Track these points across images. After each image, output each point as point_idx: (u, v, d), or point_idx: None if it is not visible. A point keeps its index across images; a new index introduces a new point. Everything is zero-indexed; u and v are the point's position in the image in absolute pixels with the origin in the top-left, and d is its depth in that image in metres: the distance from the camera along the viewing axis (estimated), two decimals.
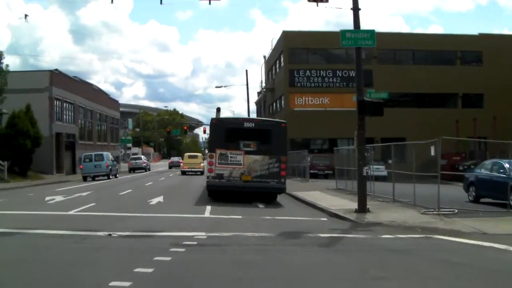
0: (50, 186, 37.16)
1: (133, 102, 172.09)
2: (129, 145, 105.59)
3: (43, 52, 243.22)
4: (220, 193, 24.17)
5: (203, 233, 13.91)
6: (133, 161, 68.60)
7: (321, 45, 54.88)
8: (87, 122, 66.61)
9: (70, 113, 59.49)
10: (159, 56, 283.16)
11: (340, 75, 55.01)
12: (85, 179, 44.59)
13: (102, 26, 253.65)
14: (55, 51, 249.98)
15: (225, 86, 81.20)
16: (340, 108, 53.80)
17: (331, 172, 45.73)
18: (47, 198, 24.60)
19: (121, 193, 28.11)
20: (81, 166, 46.55)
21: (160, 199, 24.41)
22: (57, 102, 55.21)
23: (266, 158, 23.35)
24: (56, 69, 57.56)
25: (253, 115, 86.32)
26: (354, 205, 20.24)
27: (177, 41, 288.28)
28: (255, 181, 23.43)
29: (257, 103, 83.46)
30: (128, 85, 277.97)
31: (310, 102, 55.05)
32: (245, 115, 63.10)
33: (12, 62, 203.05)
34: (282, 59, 57.62)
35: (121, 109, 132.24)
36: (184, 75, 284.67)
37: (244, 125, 23.94)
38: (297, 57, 55.91)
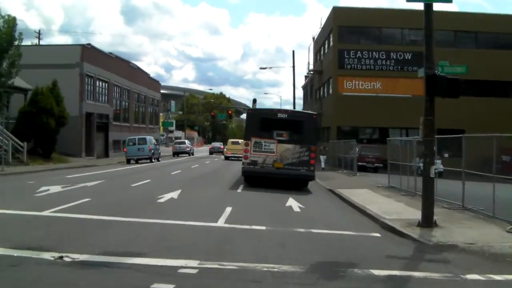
0: (67, 171, 33.25)
1: (182, 85, 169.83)
2: (171, 128, 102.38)
3: (95, 32, 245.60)
4: (254, 178, 25.41)
5: (196, 262, 9.11)
6: (177, 145, 68.31)
7: (374, 23, 49.69)
8: (123, 102, 62.71)
9: (103, 92, 55.85)
10: (209, 39, 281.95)
11: (394, 57, 49.56)
12: (128, 161, 45.38)
13: (153, 7, 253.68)
14: (106, 31, 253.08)
15: (270, 68, 79.82)
16: (393, 94, 48.83)
17: (381, 165, 41.04)
18: (41, 189, 20.27)
19: (133, 185, 23.62)
20: (125, 149, 46.95)
21: (174, 194, 19.88)
22: (89, 79, 51.46)
23: (297, 147, 24.50)
24: (89, 44, 53.65)
25: (300, 100, 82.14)
26: (413, 213, 15.91)
27: (228, 24, 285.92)
28: (287, 168, 24.59)
29: (304, 87, 78.36)
30: (178, 68, 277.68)
31: (360, 87, 49.75)
32: (291, 101, 60.32)
33: (64, 42, 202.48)
34: (331, 39, 52.40)
35: (166, 91, 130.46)
36: (234, 59, 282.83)
37: (278, 116, 25.17)
38: (348, 37, 50.65)
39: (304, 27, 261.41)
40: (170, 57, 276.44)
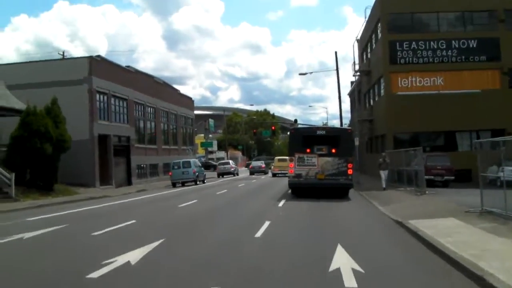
0: (54, 208, 26.20)
1: (228, 105, 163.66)
2: (211, 148, 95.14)
3: (138, 59, 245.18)
4: (300, 189, 27.75)
5: None
6: (221, 166, 67.05)
7: (429, 7, 40.66)
8: (147, 122, 55.03)
9: (121, 111, 48.19)
10: (252, 58, 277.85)
11: (457, 46, 40.52)
12: (174, 185, 45.28)
13: (195, 30, 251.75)
14: (150, 57, 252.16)
15: (310, 73, 67.83)
16: (458, 90, 39.79)
17: (452, 178, 33.09)
18: None
19: (95, 233, 15.30)
20: (170, 173, 46.62)
21: (136, 255, 11.49)
22: (101, 97, 43.97)
23: (336, 159, 26.61)
24: (98, 55, 46.31)
25: (347, 106, 73.15)
26: None
27: (270, 43, 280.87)
28: (328, 179, 26.62)
29: (350, 94, 69.75)
30: (223, 89, 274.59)
31: (417, 84, 40.86)
32: (338, 115, 54.62)
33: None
34: (379, 30, 43.61)
35: (210, 112, 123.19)
36: (278, 76, 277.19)
37: (317, 133, 27.88)
38: (399, 25, 41.64)
39: (346, 40, 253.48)
40: (215, 78, 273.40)
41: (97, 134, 42.21)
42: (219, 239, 13.75)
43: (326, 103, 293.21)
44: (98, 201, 30.12)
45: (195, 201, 27.25)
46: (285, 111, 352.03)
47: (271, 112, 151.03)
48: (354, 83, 60.46)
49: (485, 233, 13.32)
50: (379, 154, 33.54)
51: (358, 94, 54.82)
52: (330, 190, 26.99)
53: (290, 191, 29.23)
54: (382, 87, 43.27)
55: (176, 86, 76.60)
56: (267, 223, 16.52)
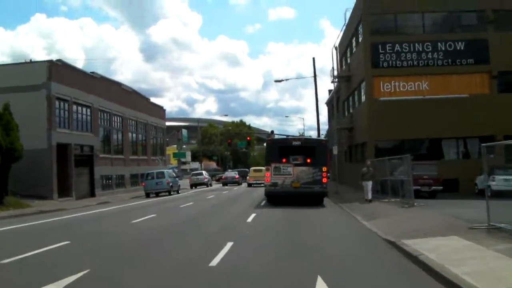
0: None
1: (204, 117, 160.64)
2: (184, 159, 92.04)
3: (116, 71, 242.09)
4: (276, 197, 28.47)
5: None
6: (194, 177, 64.96)
7: (414, 8, 37.84)
8: (114, 131, 51.60)
9: (85, 119, 44.85)
10: (229, 70, 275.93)
11: (444, 48, 37.53)
12: (147, 195, 44.73)
13: (172, 43, 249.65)
14: (127, 70, 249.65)
15: (286, 80, 66.50)
16: (445, 95, 37.11)
17: (440, 188, 30.49)
18: None
19: (3, 261, 11.87)
20: (143, 184, 46.47)
21: None
22: (62, 104, 40.61)
23: (310, 168, 27.60)
24: (59, 60, 42.98)
25: (324, 118, 70.15)
26: None
27: (247, 55, 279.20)
28: (303, 187, 27.55)
29: (328, 102, 66.93)
30: (200, 101, 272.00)
31: (401, 89, 37.75)
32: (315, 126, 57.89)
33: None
34: (360, 32, 40.65)
35: (187, 123, 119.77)
36: (255, 88, 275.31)
37: (293, 144, 29.03)
38: (382, 26, 38.54)
39: (323, 53, 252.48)
40: (192, 91, 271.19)
41: (56, 143, 38.78)
42: (158, 272, 10.46)
43: (303, 114, 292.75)
44: (46, 216, 26.66)
45: (153, 215, 24.09)
46: (262, 122, 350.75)
47: (247, 123, 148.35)
48: (333, 91, 57.70)
49: (505, 257, 10.32)
50: (364, 163, 30.49)
51: (336, 101, 51.95)
52: (305, 198, 27.88)
53: (265, 200, 30.07)
54: (363, 93, 40.34)
55: (153, 99, 74.01)
56: (228, 246, 13.42)
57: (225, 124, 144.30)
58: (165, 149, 70.72)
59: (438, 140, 37.47)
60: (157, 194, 45.51)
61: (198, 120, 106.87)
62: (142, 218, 22.61)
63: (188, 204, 32.19)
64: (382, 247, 13.47)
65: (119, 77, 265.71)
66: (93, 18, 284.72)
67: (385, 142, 37.88)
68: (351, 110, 47.38)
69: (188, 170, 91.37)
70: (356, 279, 9.47)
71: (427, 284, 9.10)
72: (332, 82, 49.31)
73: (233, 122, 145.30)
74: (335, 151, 39.64)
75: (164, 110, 71.11)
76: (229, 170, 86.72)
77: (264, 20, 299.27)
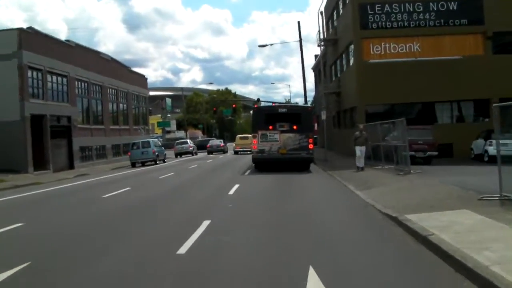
0: None
1: (190, 86, 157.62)
2: (169, 128, 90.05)
3: (99, 42, 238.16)
4: (263, 164, 28.80)
5: None
6: (179, 146, 63.16)
7: None
8: (93, 101, 49.43)
9: (61, 88, 42.48)
10: (214, 40, 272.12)
11: (436, 8, 35.67)
12: (133, 165, 44.40)
13: (155, 13, 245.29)
14: (110, 41, 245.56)
15: (271, 45, 62.14)
16: (438, 57, 35.28)
17: (436, 153, 29.08)
18: None
19: None
20: (129, 153, 45.86)
21: None
22: (35, 73, 38.19)
23: (297, 135, 27.92)
24: (30, 27, 40.42)
25: (310, 85, 68.22)
26: None
27: (231, 24, 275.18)
28: (290, 153, 27.87)
29: (314, 68, 64.90)
30: (185, 71, 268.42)
31: (392, 51, 35.95)
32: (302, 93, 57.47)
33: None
34: None
35: (172, 92, 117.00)
36: (240, 57, 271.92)
37: (279, 111, 29.24)
38: None
39: (308, 21, 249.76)
40: (177, 60, 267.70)
41: (30, 114, 36.57)
42: (111, 264, 8.59)
43: (289, 81, 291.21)
44: (19, 190, 24.68)
45: (127, 188, 22.35)
46: (248, 90, 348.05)
47: (233, 91, 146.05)
48: (319, 56, 55.62)
49: None
50: (355, 128, 28.71)
51: (323, 66, 49.99)
52: (292, 164, 28.07)
53: (250, 169, 30.08)
54: (351, 56, 38.39)
55: (137, 69, 71.43)
56: (204, 225, 11.62)
57: (210, 92, 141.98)
58: (148, 119, 68.50)
59: (431, 104, 35.80)
60: (143, 164, 45.03)
61: (183, 89, 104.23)
62: (115, 192, 20.84)
63: (168, 174, 30.42)
64: (382, 224, 11.67)
65: (102, 48, 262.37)
66: None
67: (375, 106, 36.15)
68: (338, 75, 45.48)
69: (174, 139, 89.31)
70: (356, 273, 7.65)
71: (446, 276, 7.32)
72: (319, 46, 47.19)
73: (218, 90, 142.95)
74: (323, 116, 37.85)
75: (146, 79, 68.66)
76: (214, 138, 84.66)
77: None
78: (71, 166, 42.66)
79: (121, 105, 57.07)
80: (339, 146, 43.29)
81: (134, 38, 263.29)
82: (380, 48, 35.65)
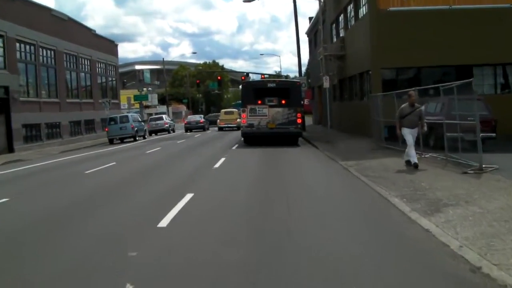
0: None
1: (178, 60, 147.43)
2: (150, 103, 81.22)
3: (87, 16, 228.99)
4: (252, 138, 28.24)
5: None
6: (153, 122, 55.18)
7: None
8: (43, 68, 39.92)
9: None
10: (203, 14, 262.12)
11: None
12: (111, 141, 41.45)
13: None
14: (98, 15, 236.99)
15: None
16: (478, 5, 26.31)
17: (493, 135, 19.02)
18: None
19: None
20: (106, 129, 42.63)
21: None
22: None
23: (285, 110, 27.13)
24: None
25: (305, 52, 59.07)
26: None
27: None
28: (278, 127, 27.22)
29: (309, 32, 55.34)
30: (175, 45, 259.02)
31: None
32: (294, 70, 57.48)
33: None
34: None
35: (157, 66, 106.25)
36: (230, 31, 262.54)
37: (268, 85, 28.23)
38: None
39: None
40: (166, 35, 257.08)
41: None
42: None
43: (280, 56, 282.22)
44: None
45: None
46: (238, 65, 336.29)
47: (221, 65, 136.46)
48: (316, 15, 46.28)
49: None
50: (369, 100, 19.61)
51: (322, 23, 40.37)
52: (281, 138, 27.50)
53: (242, 139, 29.75)
54: (362, 3, 29.13)
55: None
56: None
57: (197, 65, 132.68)
58: (118, 91, 58.94)
59: (467, 67, 26.26)
60: (122, 140, 42.06)
61: (164, 61, 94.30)
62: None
63: (110, 164, 21.46)
64: None
65: (90, 22, 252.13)
66: None
67: (394, 71, 27.10)
68: (341, 34, 36.20)
69: (154, 114, 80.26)
70: None
71: None
72: (311, 18, 37.85)
73: (205, 63, 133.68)
74: (326, 84, 28.74)
75: (116, 45, 58.64)
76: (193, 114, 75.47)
77: None
78: (10, 149, 33.54)
79: (82, 74, 47.65)
80: (342, 124, 34.30)
81: (122, 11, 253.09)
82: None
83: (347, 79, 34.45)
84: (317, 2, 38.71)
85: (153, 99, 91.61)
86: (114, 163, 21.93)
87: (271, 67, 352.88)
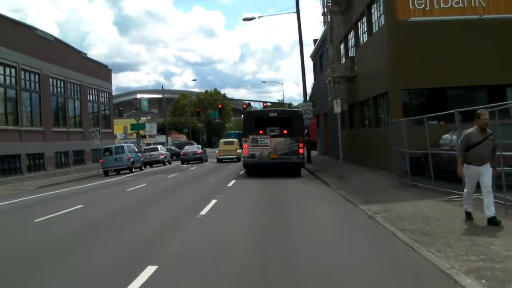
0: None
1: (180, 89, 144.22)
2: (147, 131, 77.67)
3: (90, 45, 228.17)
4: (254, 168, 27.51)
5: None
6: (147, 153, 50.64)
7: None
8: (24, 93, 36.04)
9: None
10: (206, 42, 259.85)
11: None
12: (106, 173, 38.68)
13: (146, 15, 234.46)
14: (102, 44, 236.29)
15: (259, 17, 48.21)
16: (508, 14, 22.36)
17: None
18: None
19: None
20: (101, 160, 40.11)
21: None
22: None
23: (287, 139, 26.67)
24: None
25: (310, 77, 55.75)
26: None
27: (223, 26, 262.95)
28: (280, 158, 26.51)
29: (314, 55, 51.58)
30: (178, 74, 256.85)
31: (442, 4, 22.51)
32: (297, 99, 57.05)
33: None
34: None
35: (159, 95, 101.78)
36: (233, 60, 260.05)
37: (269, 115, 27.94)
38: None
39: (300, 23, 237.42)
40: (169, 64, 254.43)
41: None
42: None
43: (282, 86, 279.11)
44: None
45: None
46: (240, 95, 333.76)
47: (222, 93, 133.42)
48: (320, 37, 42.63)
49: None
50: (390, 126, 15.53)
51: (330, 41, 36.26)
52: (283, 168, 26.73)
53: (243, 170, 29.27)
54: (377, 16, 25.25)
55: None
56: None
57: (198, 94, 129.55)
58: (111, 119, 55.01)
59: (500, 88, 22.30)
60: (118, 172, 39.64)
61: (163, 90, 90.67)
62: None
63: (77, 207, 17.34)
64: None
65: (93, 51, 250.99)
66: None
67: (414, 93, 23.17)
68: (351, 54, 32.33)
69: (152, 144, 76.47)
70: None
71: None
72: (323, 14, 33.93)
73: (206, 92, 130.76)
74: (337, 109, 24.46)
75: (110, 70, 54.83)
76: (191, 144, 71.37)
77: None
78: None
79: (71, 101, 43.86)
80: (353, 154, 30.21)
81: (126, 40, 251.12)
82: (424, 1, 22.51)
83: (358, 104, 30.40)
84: (322, 23, 35.12)
85: (152, 128, 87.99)
86: (82, 205, 17.86)
87: (273, 96, 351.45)
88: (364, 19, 27.76)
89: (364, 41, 28.45)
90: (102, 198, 20.97)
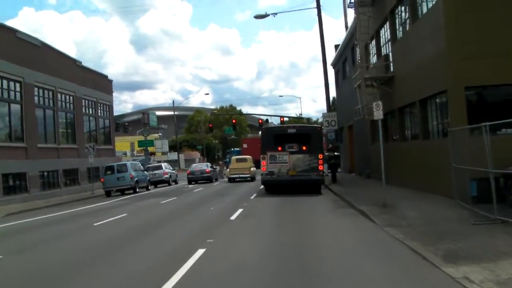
0: None
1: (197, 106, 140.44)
2: (154, 148, 72.49)
3: (107, 64, 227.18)
4: (272, 186, 26.62)
5: None
6: (150, 172, 44.24)
7: None
8: (3, 104, 30.75)
9: None
10: (222, 60, 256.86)
11: None
12: (108, 194, 35.51)
13: (162, 34, 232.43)
14: (119, 62, 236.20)
15: (273, 14, 38.31)
16: None
17: None
18: None
19: None
20: (102, 180, 36.99)
21: None
22: None
23: (306, 156, 25.59)
24: None
25: (331, 82, 49.66)
26: None
27: (239, 44, 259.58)
28: (299, 175, 25.52)
29: (335, 63, 45.63)
30: (195, 92, 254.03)
31: None
32: (314, 116, 54.39)
33: None
34: None
35: (176, 112, 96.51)
36: (249, 78, 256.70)
37: (288, 131, 26.83)
38: None
39: (316, 40, 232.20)
40: (185, 82, 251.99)
41: None
42: None
43: (299, 103, 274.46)
44: None
45: None
46: (257, 112, 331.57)
47: (238, 109, 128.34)
48: (345, 37, 36.80)
49: None
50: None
51: (352, 51, 29.97)
52: (302, 186, 25.70)
53: (261, 187, 28.53)
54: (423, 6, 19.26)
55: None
56: None
57: (212, 110, 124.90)
58: (112, 135, 49.27)
59: None
60: (123, 192, 36.41)
61: (174, 105, 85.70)
62: None
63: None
64: None
65: (110, 70, 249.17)
66: (82, 11, 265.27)
67: (487, 90, 17.01)
68: (385, 50, 26.26)
69: (162, 161, 71.45)
70: None
71: None
72: (349, 6, 28.04)
73: (222, 108, 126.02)
74: (377, 114, 17.54)
75: (110, 81, 49.04)
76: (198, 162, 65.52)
77: (254, 7, 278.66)
78: None
79: (62, 113, 38.31)
80: (392, 172, 23.72)
81: (143, 59, 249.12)
82: None
83: (396, 111, 24.16)
84: (343, 26, 29.19)
85: (164, 145, 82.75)
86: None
87: (290, 113, 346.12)
88: (403, 5, 21.69)
89: (403, 33, 22.34)
90: (55, 236, 15.01)
